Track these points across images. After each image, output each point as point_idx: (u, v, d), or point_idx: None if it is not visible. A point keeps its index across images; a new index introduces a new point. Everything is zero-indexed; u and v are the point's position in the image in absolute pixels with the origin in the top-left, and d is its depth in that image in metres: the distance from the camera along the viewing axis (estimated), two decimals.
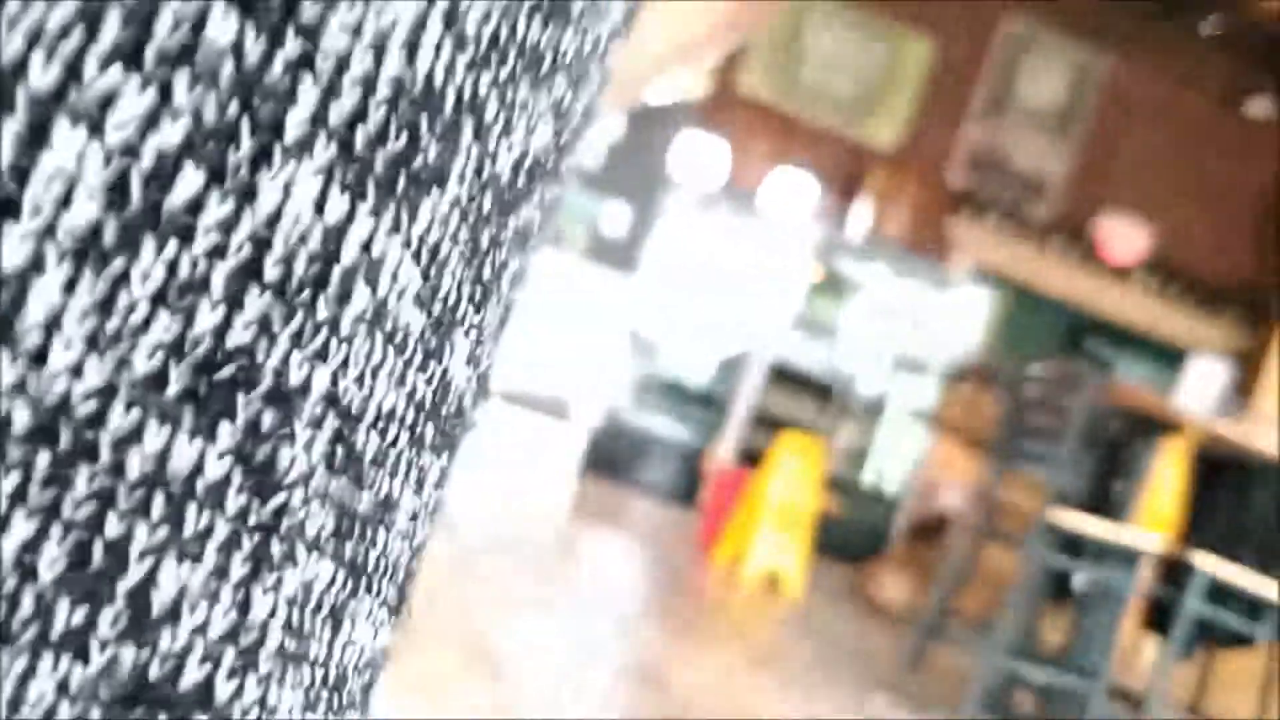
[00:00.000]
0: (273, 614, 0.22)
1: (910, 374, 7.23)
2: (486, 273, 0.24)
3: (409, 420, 0.23)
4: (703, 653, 3.46)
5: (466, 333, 0.24)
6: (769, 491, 4.95)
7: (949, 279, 7.36)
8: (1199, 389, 4.43)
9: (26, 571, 0.18)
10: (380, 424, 0.22)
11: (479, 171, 0.23)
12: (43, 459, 0.18)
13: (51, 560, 0.19)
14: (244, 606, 0.21)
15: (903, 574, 5.19)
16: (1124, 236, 8.06)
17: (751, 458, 6.35)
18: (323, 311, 0.21)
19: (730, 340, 7.21)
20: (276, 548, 0.21)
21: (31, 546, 0.18)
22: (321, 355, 0.21)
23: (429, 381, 0.23)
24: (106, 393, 0.19)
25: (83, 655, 0.19)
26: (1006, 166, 8.08)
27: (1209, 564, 3.45)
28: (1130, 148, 8.18)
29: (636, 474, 6.91)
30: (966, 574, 3.79)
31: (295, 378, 0.21)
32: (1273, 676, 3.49)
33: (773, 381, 7.12)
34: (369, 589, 0.24)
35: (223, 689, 0.21)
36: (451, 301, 0.23)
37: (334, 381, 0.21)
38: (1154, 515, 4.44)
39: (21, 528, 0.18)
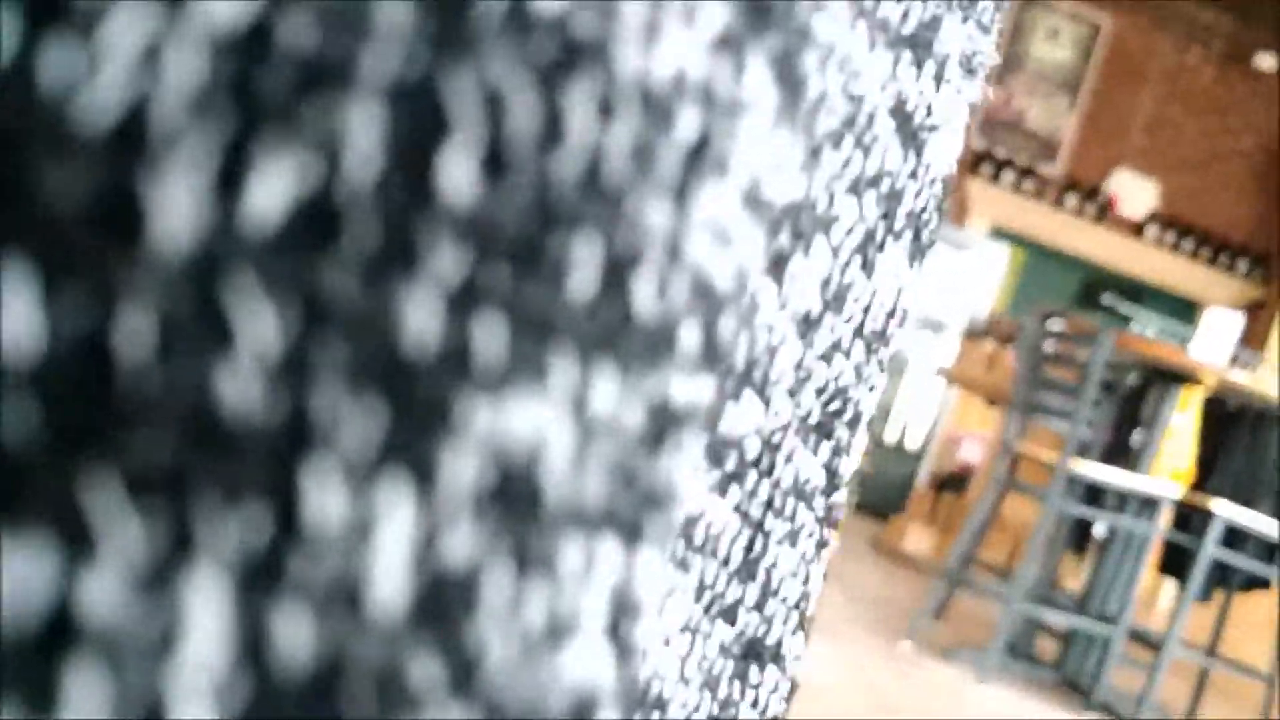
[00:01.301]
0: (815, 585, 0.26)
1: (931, 332, 7.17)
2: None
3: (871, 420, 0.27)
4: None
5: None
6: None
7: (966, 238, 7.27)
8: (1213, 340, 4.37)
9: (726, 559, 0.23)
10: (868, 429, 0.27)
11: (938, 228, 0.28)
12: (753, 477, 0.23)
13: (739, 550, 0.24)
14: (806, 579, 0.26)
15: (927, 526, 5.17)
16: (1135, 193, 7.96)
17: None
18: (882, 354, 0.26)
19: None
20: (825, 533, 0.26)
21: (734, 541, 0.23)
22: (871, 386, 0.26)
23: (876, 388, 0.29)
24: (786, 427, 0.24)
25: (733, 621, 0.24)
26: (1020, 127, 7.97)
27: (1225, 510, 3.41)
28: (1139, 106, 8.05)
29: None
30: (989, 525, 3.77)
31: (860, 406, 0.26)
32: None
33: None
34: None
35: (787, 644, 0.26)
36: (904, 328, 0.28)
37: (871, 406, 0.26)
38: (1171, 463, 4.39)
39: (733, 527, 0.23)
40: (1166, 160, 8.08)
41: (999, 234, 7.76)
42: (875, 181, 0.24)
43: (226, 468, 0.12)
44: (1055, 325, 3.66)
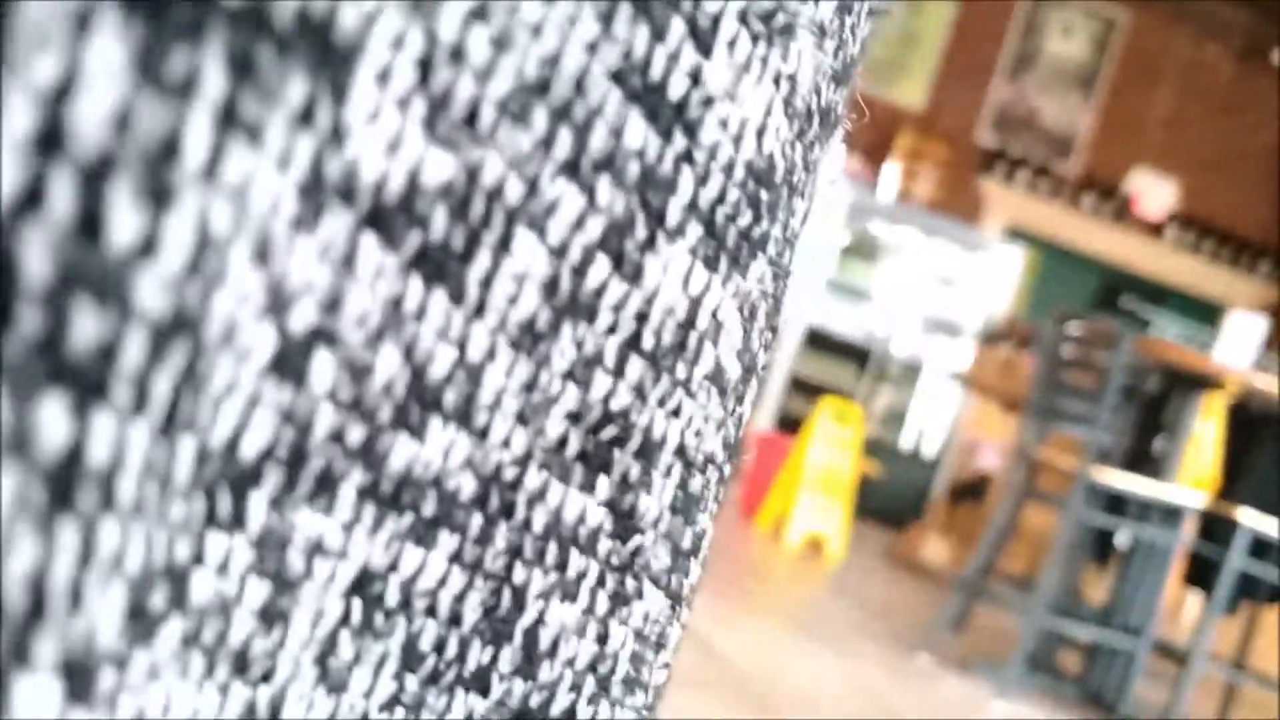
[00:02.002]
0: (623, 644, 0.24)
1: (945, 336, 7.16)
2: (777, 319, 0.26)
3: (720, 460, 0.25)
4: (747, 615, 3.44)
5: (759, 375, 0.26)
6: (809, 456, 4.91)
7: (981, 239, 7.27)
8: (1237, 344, 4.36)
9: (453, 619, 0.21)
10: (706, 467, 0.24)
11: (785, 231, 0.25)
12: (476, 521, 0.20)
13: (473, 608, 0.21)
14: (603, 639, 0.23)
15: (943, 535, 5.15)
16: (1154, 192, 7.95)
17: (791, 423, 6.32)
18: (681, 373, 0.23)
19: None
20: (630, 584, 0.24)
21: (461, 597, 0.21)
22: (676, 412, 0.23)
23: (735, 424, 0.25)
24: (525, 459, 0.21)
25: (484, 690, 0.22)
26: (1035, 124, 7.97)
27: (1252, 519, 3.40)
28: (1156, 102, 8.04)
29: None
30: (1008, 534, 3.76)
31: (657, 433, 0.23)
32: None
33: (809, 347, 7.06)
34: (679, 614, 0.26)
35: (582, 713, 0.23)
36: (755, 350, 0.25)
37: (682, 435, 0.23)
38: (1195, 472, 4.38)
39: (456, 581, 0.20)
40: (1185, 158, 8.08)
41: (1014, 234, 7.76)
42: (608, 164, 0.20)
43: None
44: (1073, 329, 3.66)
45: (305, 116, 0.16)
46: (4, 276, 0.14)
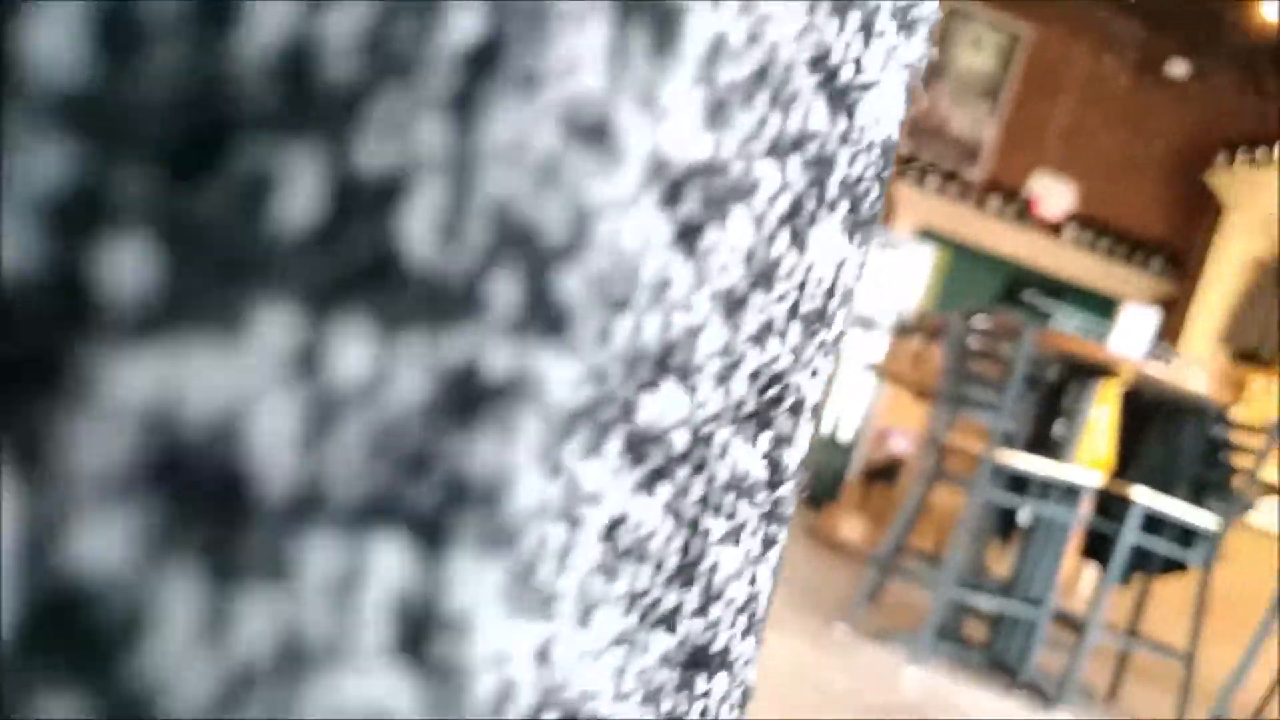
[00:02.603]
0: (764, 585, 0.25)
1: (861, 329, 7.33)
2: (858, 284, 0.27)
3: (820, 408, 0.26)
4: None
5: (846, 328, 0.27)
6: None
7: (894, 240, 7.47)
8: (1130, 335, 4.50)
9: (659, 564, 0.22)
10: (817, 418, 0.26)
11: (879, 202, 0.26)
12: (683, 473, 0.21)
13: (672, 553, 0.22)
14: (753, 580, 0.25)
15: (858, 515, 5.27)
16: (1054, 195, 8.23)
17: None
18: (820, 336, 0.24)
19: None
20: (772, 530, 0.25)
21: (666, 543, 0.22)
22: (815, 373, 0.24)
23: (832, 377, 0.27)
24: (717, 416, 0.22)
25: (672, 629, 0.23)
26: (944, 132, 8.21)
27: (1144, 496, 3.50)
28: (1056, 111, 8.32)
29: None
30: (918, 513, 3.87)
31: (803, 392, 0.24)
32: (1203, 599, 3.60)
33: None
34: (781, 554, 0.27)
35: (736, 649, 0.25)
36: (848, 309, 0.26)
37: (818, 394, 0.25)
38: (1091, 453, 4.55)
39: (666, 528, 0.21)
40: (1083, 163, 8.37)
41: (925, 235, 7.98)
42: (799, 144, 0.21)
43: None
44: (979, 322, 3.77)
45: (647, 99, 0.17)
46: (476, 307, 0.13)
